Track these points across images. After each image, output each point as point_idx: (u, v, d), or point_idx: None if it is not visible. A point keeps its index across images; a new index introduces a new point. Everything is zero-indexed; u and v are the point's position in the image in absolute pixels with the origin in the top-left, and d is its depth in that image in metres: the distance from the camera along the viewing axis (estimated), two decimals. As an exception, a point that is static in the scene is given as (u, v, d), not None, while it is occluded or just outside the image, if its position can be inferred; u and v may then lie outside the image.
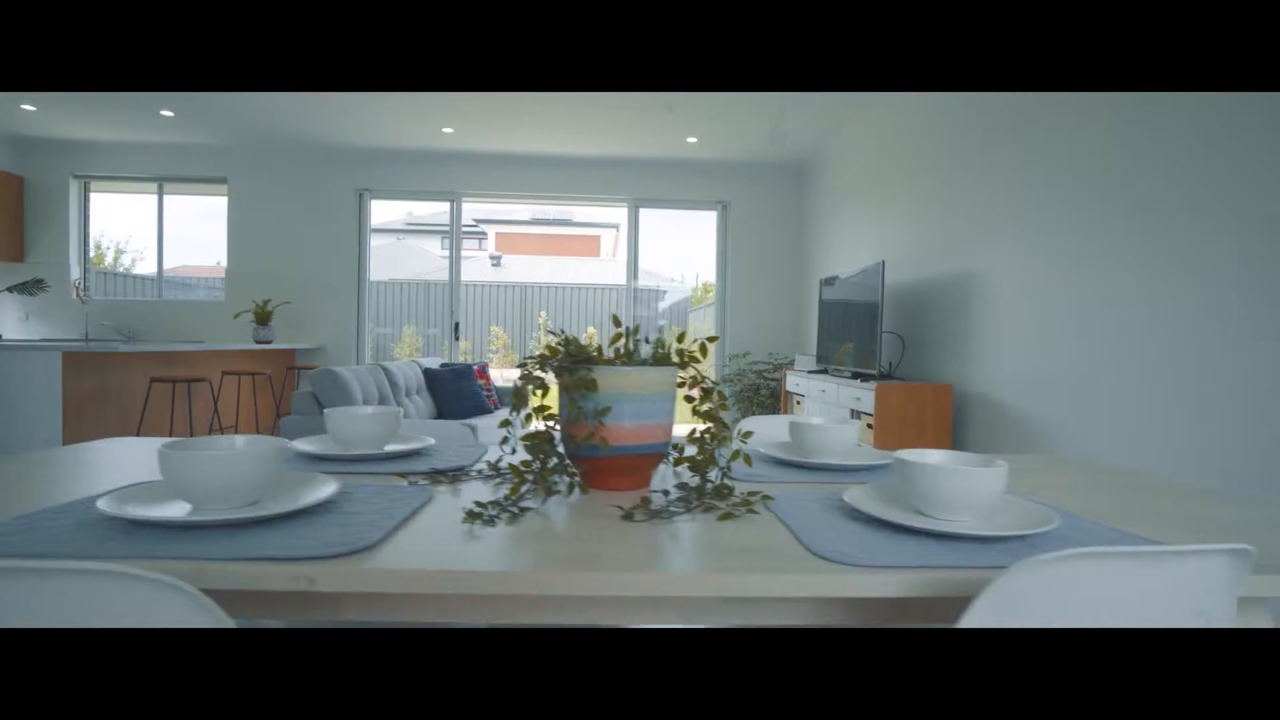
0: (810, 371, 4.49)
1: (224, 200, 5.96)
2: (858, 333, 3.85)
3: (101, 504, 0.72)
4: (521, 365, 1.08)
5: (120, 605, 0.51)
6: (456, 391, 4.16)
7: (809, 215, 5.75)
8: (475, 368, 4.55)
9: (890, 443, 3.28)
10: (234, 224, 5.87)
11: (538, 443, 0.97)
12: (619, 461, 0.97)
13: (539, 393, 1.06)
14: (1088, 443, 2.49)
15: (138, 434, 3.80)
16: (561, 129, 5.05)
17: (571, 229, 20.29)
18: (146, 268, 6.73)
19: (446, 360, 5.64)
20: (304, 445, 1.18)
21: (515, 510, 0.86)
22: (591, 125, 4.95)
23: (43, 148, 5.72)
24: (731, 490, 0.96)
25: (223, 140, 5.62)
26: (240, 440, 0.82)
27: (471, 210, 19.01)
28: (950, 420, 3.29)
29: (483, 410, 4.30)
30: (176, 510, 0.75)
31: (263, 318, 5.45)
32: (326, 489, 0.83)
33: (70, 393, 3.45)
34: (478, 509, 0.84)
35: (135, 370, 3.88)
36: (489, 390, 4.56)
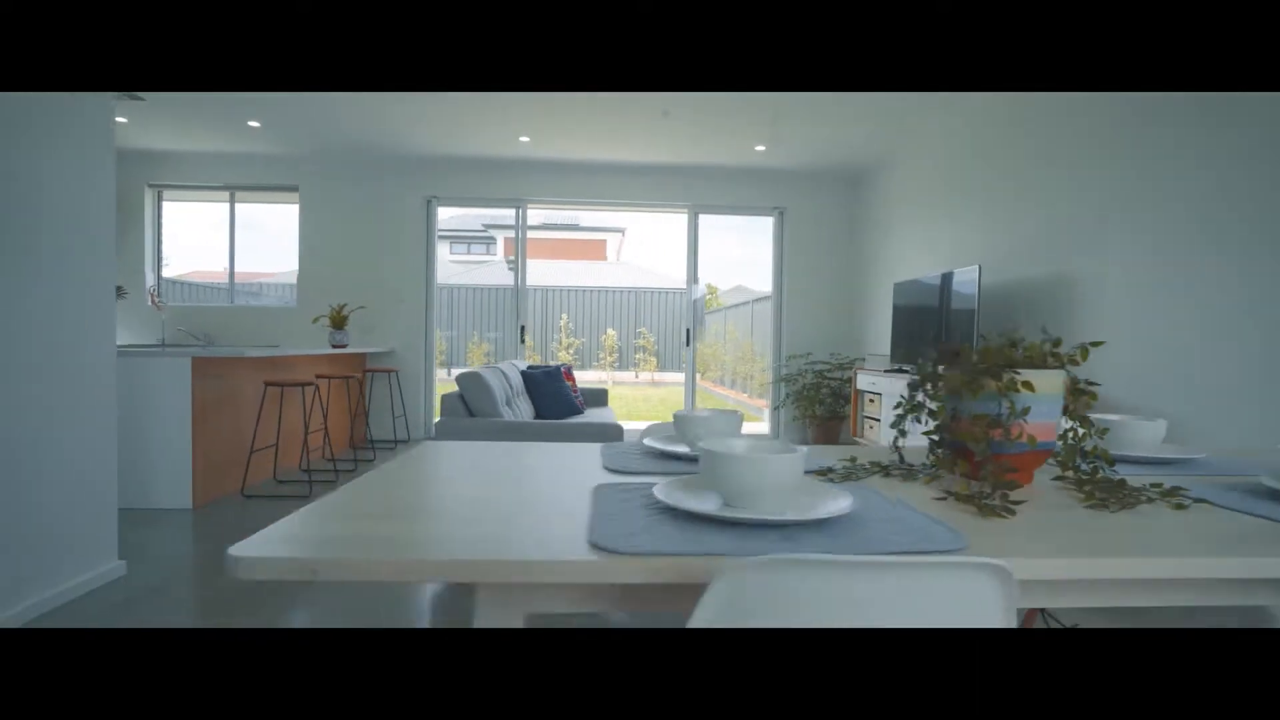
0: (886, 370, 4.66)
1: (292, 208, 6.10)
2: (944, 334, 4.03)
3: (706, 506, 0.83)
4: (915, 366, 1.23)
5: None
6: (552, 393, 4.32)
7: (866, 220, 5.92)
8: (563, 369, 4.71)
9: None
10: (305, 231, 6.01)
11: (979, 439, 1.05)
12: (1032, 457, 1.08)
13: (932, 391, 1.20)
14: (1208, 433, 2.67)
15: (255, 436, 3.95)
16: (631, 136, 5.21)
17: (579, 233, 20.39)
18: (209, 274, 6.84)
19: (535, 363, 5.78)
20: (655, 443, 1.34)
21: (997, 503, 0.96)
22: (660, 131, 5.11)
23: (120, 158, 5.86)
24: (1123, 482, 1.07)
25: (294, 149, 5.76)
26: (764, 444, 0.94)
27: (481, 215, 18.98)
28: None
29: (574, 410, 4.46)
30: (750, 508, 0.83)
31: (338, 322, 5.59)
32: (845, 498, 0.88)
33: (196, 396, 3.59)
34: (987, 501, 0.96)
35: (244, 374, 4.02)
36: (576, 392, 4.72)
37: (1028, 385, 1.08)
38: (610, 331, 13.85)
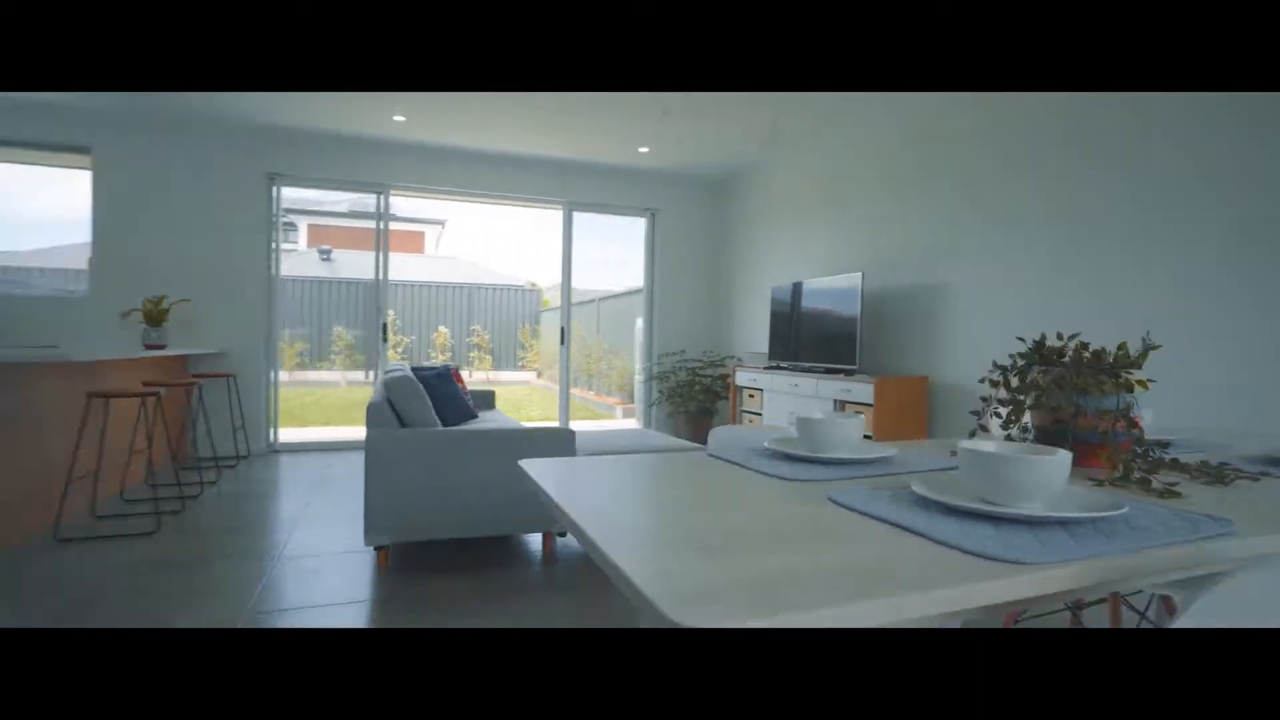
0: (765, 368, 4.99)
1: (80, 174, 4.94)
2: (826, 333, 4.41)
3: (1030, 508, 0.85)
4: (1006, 368, 1.33)
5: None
6: (449, 397, 3.99)
7: (738, 224, 6.28)
8: (451, 370, 4.38)
9: (888, 431, 3.85)
10: (102, 205, 4.90)
11: (1105, 430, 1.18)
12: (1125, 446, 1.23)
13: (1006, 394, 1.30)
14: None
15: (74, 461, 3.14)
16: (514, 125, 4.99)
17: (394, 224, 19.05)
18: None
19: (418, 365, 5.28)
20: (778, 446, 1.31)
21: (1162, 486, 1.06)
22: (544, 124, 4.96)
23: None
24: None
25: (83, 99, 4.66)
26: (1021, 445, 0.95)
27: (305, 197, 16.95)
28: (927, 408, 3.96)
29: (470, 415, 4.17)
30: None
31: (156, 318, 4.65)
32: (1107, 494, 0.93)
33: None
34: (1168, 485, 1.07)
35: (49, 384, 3.17)
36: (466, 394, 4.41)
37: (1141, 384, 1.24)
38: (442, 329, 13.13)
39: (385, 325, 5.62)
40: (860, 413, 4.07)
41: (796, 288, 4.79)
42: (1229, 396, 2.63)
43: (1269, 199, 2.49)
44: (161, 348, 4.65)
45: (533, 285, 14.82)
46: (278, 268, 5.29)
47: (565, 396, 6.30)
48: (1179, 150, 2.77)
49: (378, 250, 5.58)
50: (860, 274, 4.17)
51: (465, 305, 13.56)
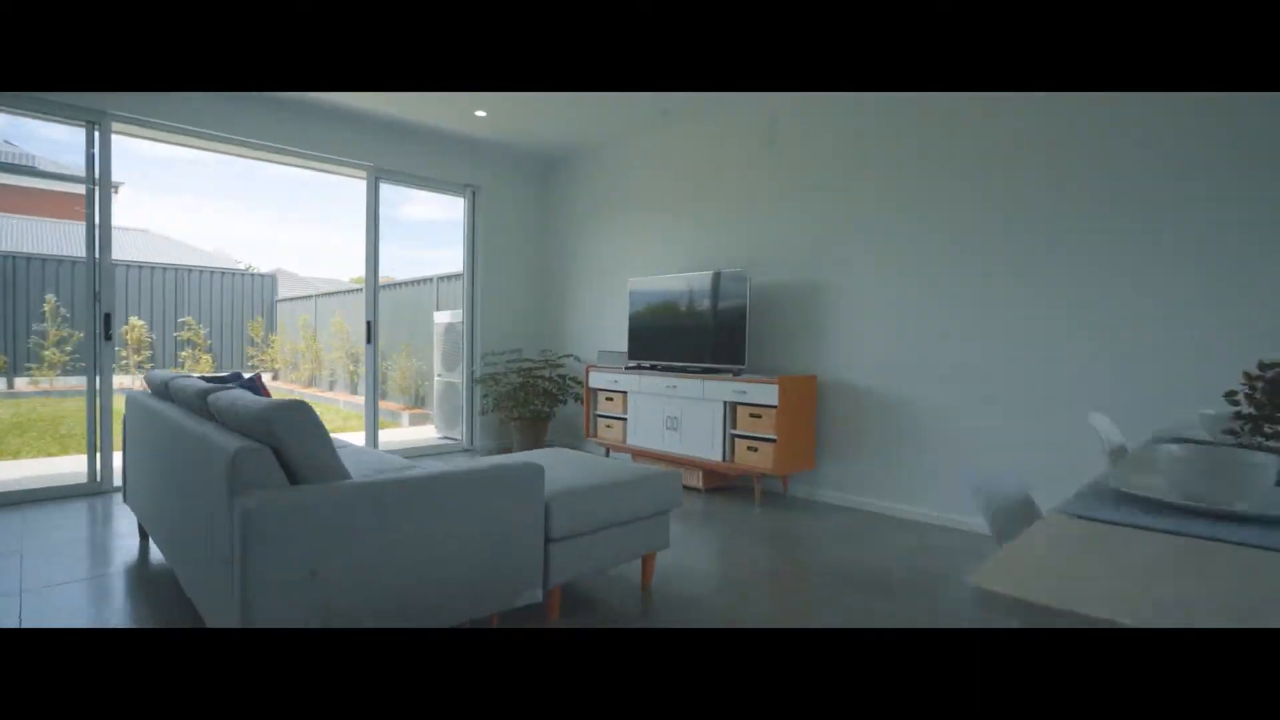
0: (628, 369, 4.60)
1: None
2: (705, 331, 4.18)
3: None
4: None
5: None
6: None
7: (575, 211, 5.73)
8: (255, 378, 3.16)
9: (785, 433, 3.73)
10: None
11: None
12: None
13: None
14: (952, 417, 3.41)
15: None
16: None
17: (39, 181, 14.59)
18: None
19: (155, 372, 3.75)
20: (1148, 492, 0.94)
21: None
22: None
23: None
24: None
25: None
26: None
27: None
28: (816, 407, 3.94)
29: (291, 443, 3.05)
30: None
31: None
32: None
33: None
34: None
35: None
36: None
37: None
38: (135, 320, 10.16)
39: (109, 318, 3.94)
40: (759, 415, 3.94)
41: (657, 284, 4.46)
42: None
43: (1145, 183, 2.84)
44: None
45: (249, 267, 12.29)
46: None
47: (373, 405, 5.14)
48: (1074, 145, 3.04)
49: (93, 208, 3.87)
50: (743, 269, 4.00)
51: (169, 292, 10.72)
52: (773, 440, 3.73)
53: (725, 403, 3.95)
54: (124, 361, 9.88)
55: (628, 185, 5.16)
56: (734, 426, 3.95)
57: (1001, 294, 3.25)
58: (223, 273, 11.50)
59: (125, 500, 3.06)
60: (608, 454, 4.89)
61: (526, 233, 5.85)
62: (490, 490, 1.92)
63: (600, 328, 5.40)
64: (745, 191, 4.35)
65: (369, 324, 5.07)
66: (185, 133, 4.15)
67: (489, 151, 5.44)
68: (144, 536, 3.03)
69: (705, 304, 4.20)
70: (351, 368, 9.12)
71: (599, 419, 4.81)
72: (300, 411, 1.67)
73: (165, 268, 10.69)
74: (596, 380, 4.80)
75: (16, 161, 12.15)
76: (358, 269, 9.32)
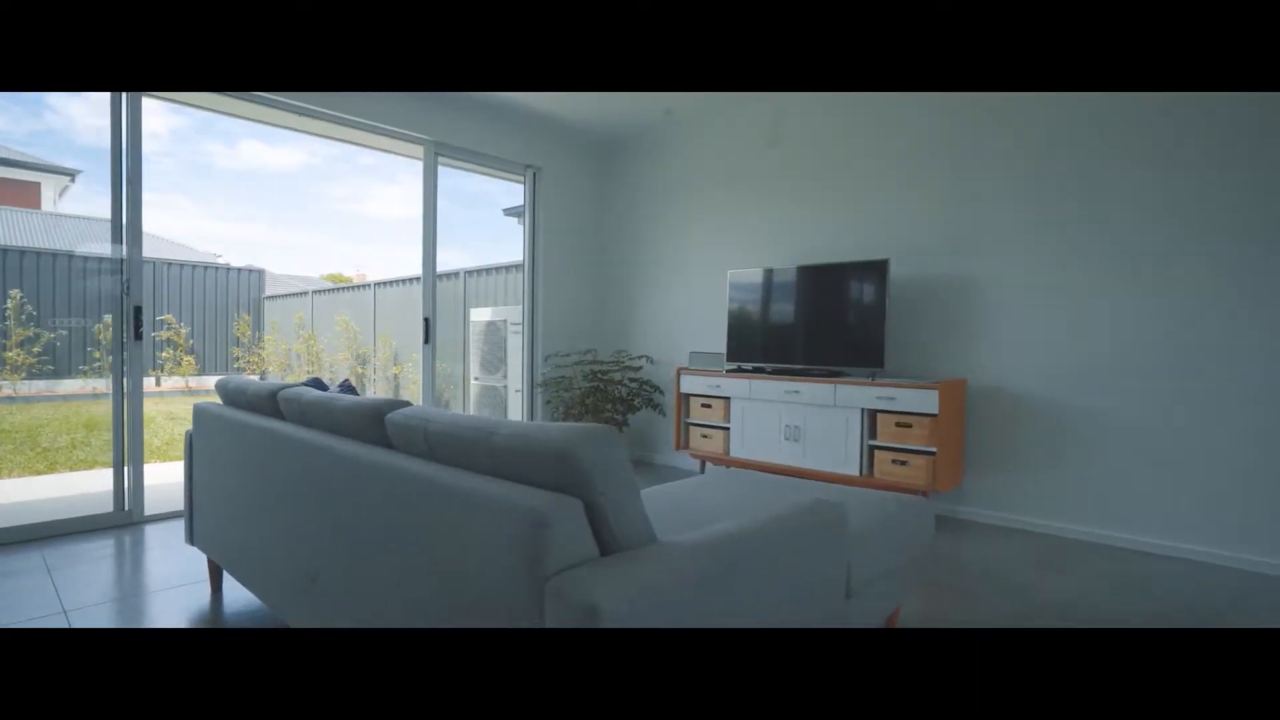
0: (730, 372, 4.10)
1: None
2: (833, 330, 3.71)
3: None
4: None
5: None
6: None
7: (649, 196, 5.19)
8: (345, 383, 2.58)
9: (944, 443, 3.28)
10: None
11: None
12: None
13: None
14: (1139, 426, 3.00)
15: None
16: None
17: None
18: None
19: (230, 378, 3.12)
20: None
21: None
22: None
23: None
24: None
25: None
26: None
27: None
28: (965, 414, 3.50)
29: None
30: None
31: None
32: None
33: None
34: None
35: None
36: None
37: None
38: (107, 318, 9.21)
39: (138, 312, 3.28)
40: (908, 424, 3.48)
41: (770, 275, 3.96)
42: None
43: None
44: None
45: (219, 257, 11.40)
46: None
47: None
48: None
49: (120, 194, 3.20)
50: (885, 257, 3.53)
51: (147, 288, 9.77)
52: (928, 453, 3.27)
53: (864, 410, 3.48)
54: (97, 364, 8.97)
55: (714, 168, 4.65)
56: (873, 437, 3.48)
57: (1192, 287, 2.85)
58: (204, 267, 10.63)
59: (191, 541, 2.43)
60: (703, 468, 4.37)
61: (589, 220, 5.29)
62: (802, 540, 1.40)
63: (681, 326, 4.87)
64: (870, 176, 3.88)
65: (426, 321, 4.46)
66: (236, 96, 3.50)
67: (549, 129, 4.88)
68: (215, 586, 2.41)
69: (832, 299, 3.73)
70: (359, 369, 8.39)
71: (692, 428, 4.29)
72: (610, 443, 1.12)
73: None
74: (690, 385, 4.28)
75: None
76: (330, 267, 8.57)
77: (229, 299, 10.49)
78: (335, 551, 1.52)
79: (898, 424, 3.37)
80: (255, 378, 2.27)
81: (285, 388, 2.00)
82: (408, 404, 1.53)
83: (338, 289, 9.23)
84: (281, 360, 9.80)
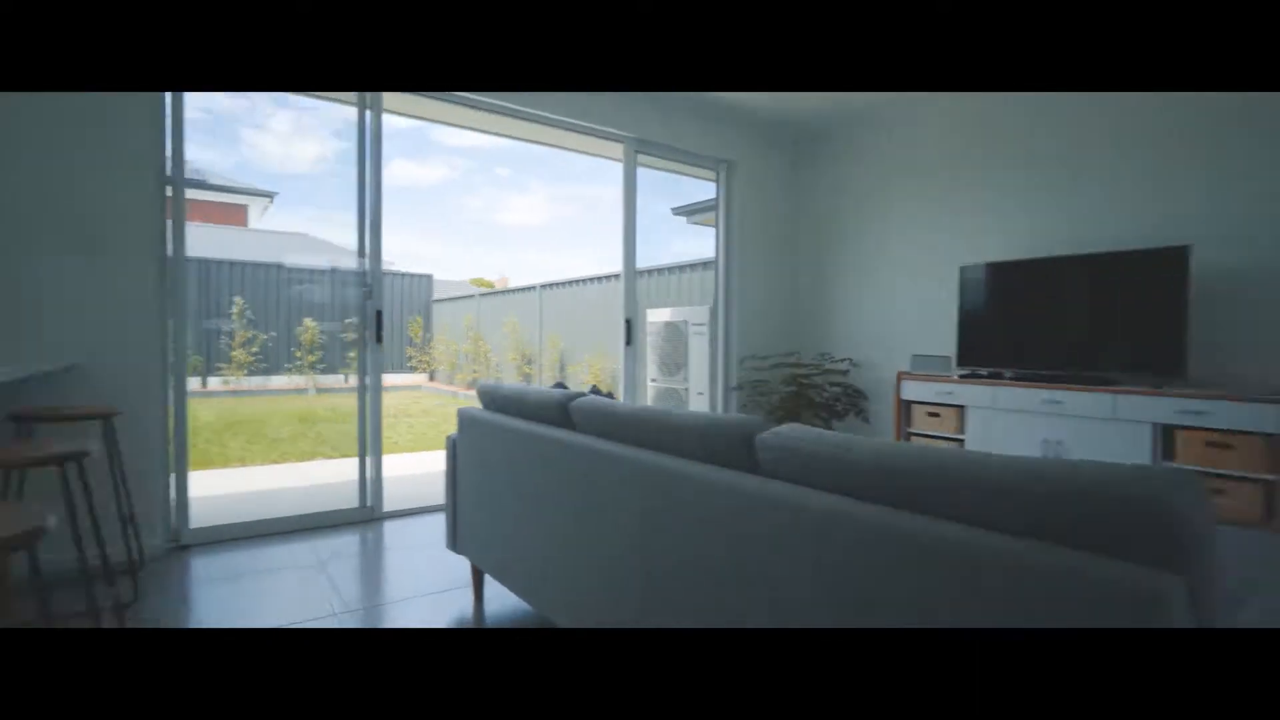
0: (963, 377, 3.64)
1: None
2: (1102, 330, 3.17)
3: None
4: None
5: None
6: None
7: (846, 188, 4.83)
8: (594, 391, 2.46)
9: None
10: None
11: None
12: None
13: None
14: None
15: None
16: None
17: (206, 194, 15.24)
18: None
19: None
20: None
21: None
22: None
23: None
24: None
25: None
26: None
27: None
28: (1304, 432, 2.85)
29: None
30: None
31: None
32: None
33: None
34: None
35: None
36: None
37: None
38: (309, 322, 10.15)
39: (379, 316, 3.40)
40: (1227, 444, 2.92)
41: (1014, 269, 3.46)
42: None
43: None
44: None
45: (392, 264, 12.17)
46: (180, 230, 2.85)
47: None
48: None
49: (363, 195, 3.33)
50: (1187, 244, 2.95)
51: (336, 293, 10.67)
52: (1261, 480, 2.68)
53: (1156, 425, 2.93)
54: (298, 361, 9.90)
55: (929, 155, 4.20)
56: (1171, 457, 2.92)
57: None
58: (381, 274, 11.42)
59: (454, 546, 2.41)
60: (928, 483, 3.95)
61: (783, 216, 5.00)
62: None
63: (893, 328, 4.44)
64: (1155, 149, 3.28)
65: (628, 322, 4.37)
66: (451, 101, 3.55)
67: (743, 122, 4.63)
68: (478, 594, 2.37)
69: (1107, 294, 3.19)
70: (527, 369, 8.62)
71: (916, 439, 3.88)
72: (1203, 494, 0.83)
73: (326, 270, 10.67)
74: (914, 391, 3.87)
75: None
76: (473, 272, 8.83)
77: (402, 302, 11.24)
78: (676, 583, 1.35)
79: (1209, 443, 2.80)
80: (522, 384, 2.19)
81: (577, 397, 1.88)
82: (775, 426, 1.32)
83: (505, 292, 9.55)
84: (451, 360, 10.33)
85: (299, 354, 9.75)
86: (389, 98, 3.35)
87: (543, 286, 8.39)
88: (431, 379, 11.19)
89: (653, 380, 6.19)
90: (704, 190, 4.96)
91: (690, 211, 7.09)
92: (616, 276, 7.13)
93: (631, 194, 4.23)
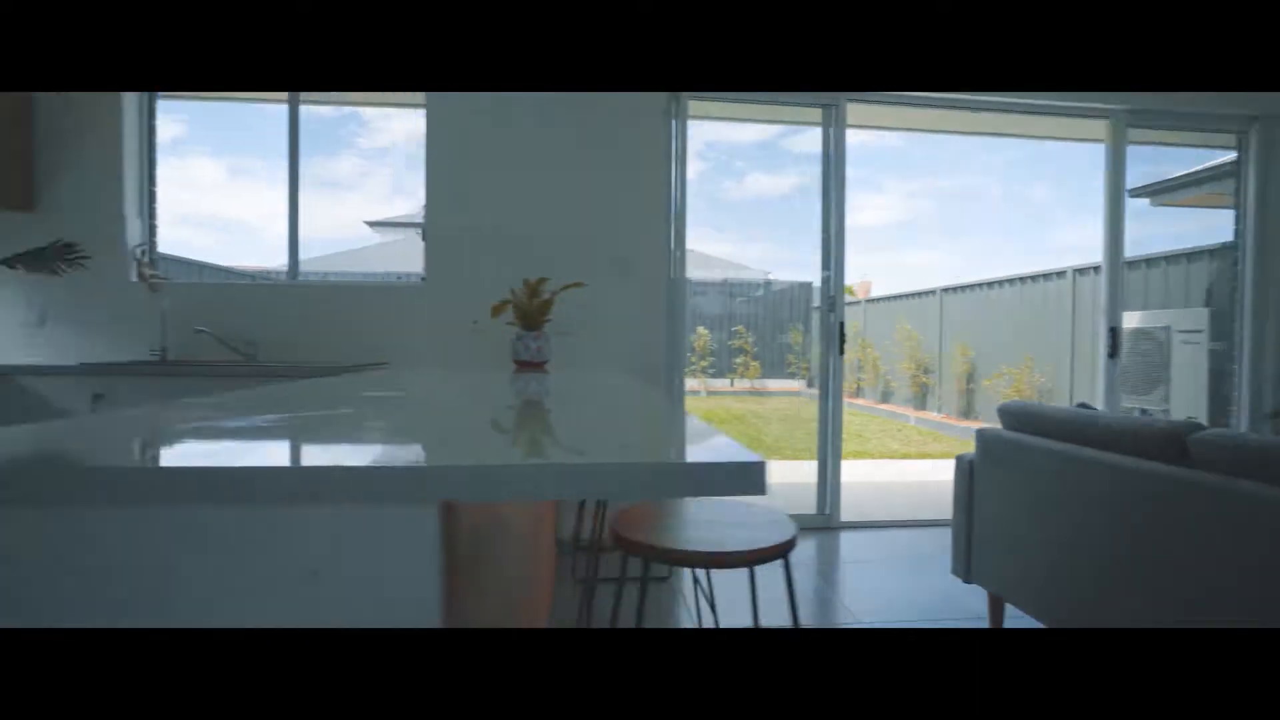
0: None
1: (410, 114, 3.29)
2: None
3: None
4: None
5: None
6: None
7: None
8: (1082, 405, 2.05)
9: None
10: (437, 153, 3.18)
11: None
12: None
13: None
14: None
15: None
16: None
17: None
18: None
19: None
20: None
21: None
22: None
23: None
24: None
25: None
26: None
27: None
28: None
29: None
30: None
31: (534, 314, 2.81)
32: None
33: (454, 541, 0.81)
34: None
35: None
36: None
37: None
38: (701, 330, 11.15)
39: (841, 327, 3.45)
40: None
41: None
42: None
43: None
44: (539, 366, 2.82)
45: (769, 274, 12.47)
46: (679, 243, 3.29)
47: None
48: None
49: (827, 213, 3.41)
50: None
51: (724, 304, 11.47)
52: None
53: None
54: (691, 366, 10.97)
55: None
56: None
57: None
58: (764, 284, 11.95)
59: (968, 577, 2.25)
60: None
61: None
62: None
63: None
64: None
65: (1113, 331, 3.68)
66: (919, 104, 3.42)
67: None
68: (996, 622, 2.18)
69: None
70: (925, 379, 8.07)
71: None
72: None
73: (720, 283, 11.55)
74: None
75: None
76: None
77: (783, 310, 11.59)
78: None
79: None
80: (1074, 408, 1.92)
81: (1196, 429, 1.55)
82: None
83: (896, 297, 9.12)
84: (816, 364, 10.31)
85: (693, 359, 10.78)
86: (852, 110, 3.38)
87: (944, 290, 7.75)
88: (810, 384, 11.32)
89: (1127, 400, 5.18)
90: (1179, 162, 3.94)
91: (1158, 191, 5.76)
92: (1044, 276, 6.15)
93: (1119, 175, 3.54)
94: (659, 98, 3.19)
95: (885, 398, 8.91)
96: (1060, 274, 5.96)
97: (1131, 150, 3.55)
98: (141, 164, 3.16)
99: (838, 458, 3.39)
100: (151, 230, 3.21)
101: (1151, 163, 4.45)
